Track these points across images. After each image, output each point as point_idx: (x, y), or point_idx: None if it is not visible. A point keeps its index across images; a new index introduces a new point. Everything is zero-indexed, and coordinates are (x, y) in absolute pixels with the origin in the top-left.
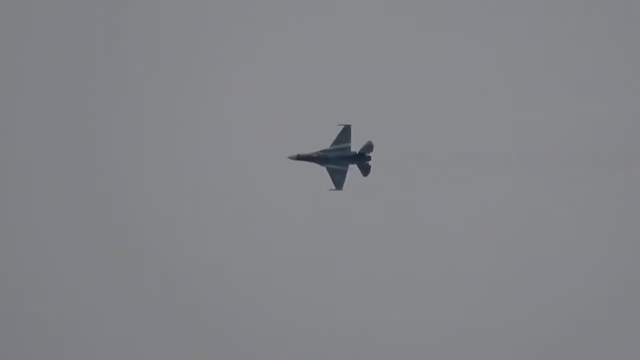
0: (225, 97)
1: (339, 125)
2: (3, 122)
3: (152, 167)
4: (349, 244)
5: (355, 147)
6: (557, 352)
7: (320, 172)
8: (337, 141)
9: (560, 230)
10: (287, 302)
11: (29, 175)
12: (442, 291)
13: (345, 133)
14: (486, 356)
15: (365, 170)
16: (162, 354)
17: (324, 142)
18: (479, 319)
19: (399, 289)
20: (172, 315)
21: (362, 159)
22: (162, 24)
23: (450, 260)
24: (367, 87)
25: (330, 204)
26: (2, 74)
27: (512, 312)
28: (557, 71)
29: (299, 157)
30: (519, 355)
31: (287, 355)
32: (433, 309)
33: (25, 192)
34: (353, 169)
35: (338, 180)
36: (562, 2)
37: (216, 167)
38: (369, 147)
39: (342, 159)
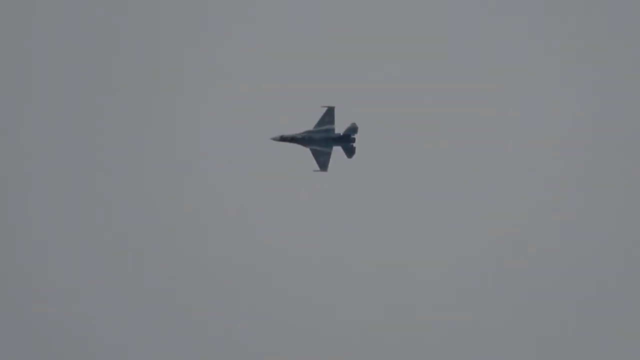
0: (225, 97)
1: (322, 107)
2: (3, 122)
3: (152, 167)
4: (349, 244)
5: (339, 129)
6: (558, 352)
7: (305, 154)
8: (321, 123)
9: (560, 231)
10: (286, 302)
11: (29, 175)
12: (442, 291)
13: (329, 115)
14: (486, 356)
15: (350, 152)
16: (161, 355)
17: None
18: (479, 319)
19: (399, 289)
20: (171, 315)
21: (346, 141)
22: (162, 24)
23: (450, 260)
24: (367, 87)
25: (330, 204)
26: (1, 74)
27: (512, 312)
28: (557, 71)
29: (282, 139)
30: (519, 355)
31: (287, 355)
32: (433, 309)
33: (25, 192)
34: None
35: (322, 162)
36: (562, 2)
37: (216, 167)
38: (353, 128)
39: (326, 140)
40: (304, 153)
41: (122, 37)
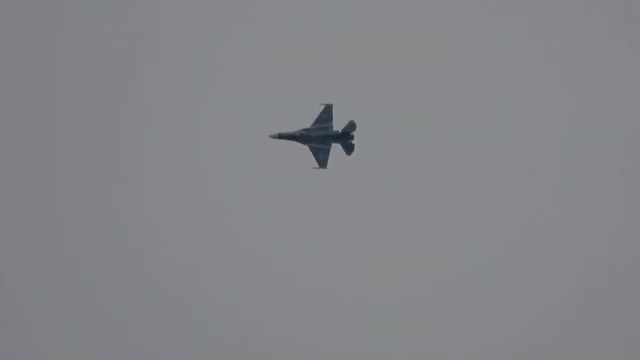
0: (225, 98)
1: (320, 104)
2: (3, 122)
3: (151, 167)
4: (348, 244)
5: (338, 127)
6: (560, 354)
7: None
8: (319, 120)
9: (560, 231)
10: (284, 301)
11: (29, 175)
12: (442, 291)
13: (327, 112)
14: (487, 357)
15: (349, 148)
16: (158, 356)
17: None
18: (479, 319)
19: (398, 289)
20: (169, 315)
21: (345, 138)
22: (162, 24)
23: (450, 260)
24: (367, 87)
25: (329, 204)
26: (1, 74)
27: (512, 312)
28: (557, 71)
29: (281, 136)
30: (520, 357)
31: (286, 355)
32: (433, 310)
33: (25, 192)
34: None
35: (322, 159)
36: (562, 2)
37: (216, 167)
38: (351, 125)
39: (324, 137)
40: (303, 151)
41: (122, 37)
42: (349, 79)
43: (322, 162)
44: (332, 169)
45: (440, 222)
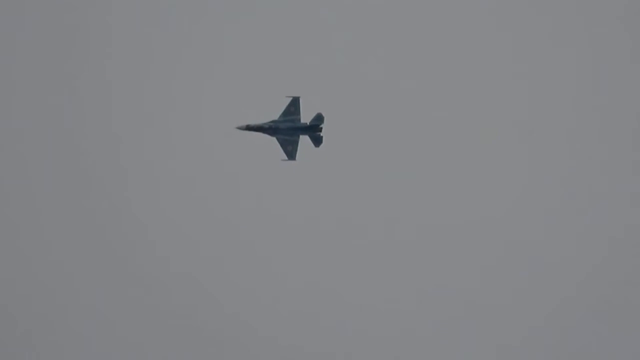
0: (224, 97)
1: (287, 97)
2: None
3: (150, 167)
4: (346, 245)
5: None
6: (560, 354)
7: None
8: (286, 113)
9: (561, 231)
10: (280, 303)
11: (28, 175)
12: (441, 292)
13: (295, 105)
14: (487, 357)
15: (317, 140)
16: (157, 356)
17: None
18: (480, 320)
19: (397, 289)
20: (160, 316)
21: (313, 130)
22: (160, 23)
23: (450, 261)
24: (366, 87)
25: (328, 204)
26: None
27: (514, 313)
28: (557, 71)
29: (249, 128)
30: (520, 357)
31: (286, 355)
32: (433, 312)
33: (24, 192)
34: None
35: (290, 151)
36: (563, 2)
37: (215, 166)
38: (319, 118)
39: (292, 129)
40: (305, 152)
41: (118, 36)
42: (349, 78)
43: (291, 154)
44: (301, 162)
45: (440, 222)
